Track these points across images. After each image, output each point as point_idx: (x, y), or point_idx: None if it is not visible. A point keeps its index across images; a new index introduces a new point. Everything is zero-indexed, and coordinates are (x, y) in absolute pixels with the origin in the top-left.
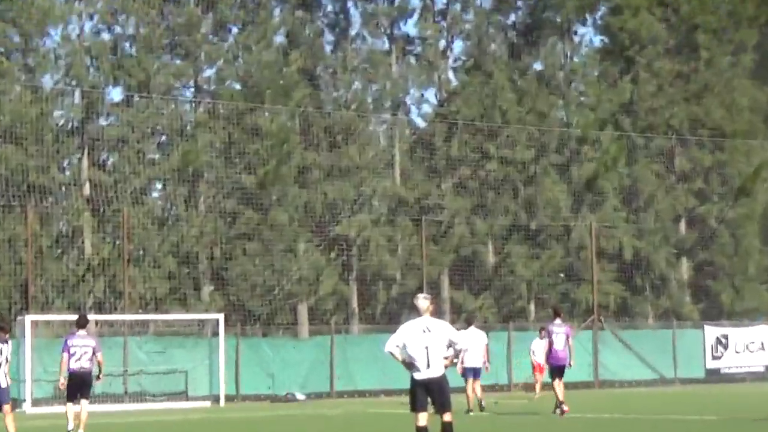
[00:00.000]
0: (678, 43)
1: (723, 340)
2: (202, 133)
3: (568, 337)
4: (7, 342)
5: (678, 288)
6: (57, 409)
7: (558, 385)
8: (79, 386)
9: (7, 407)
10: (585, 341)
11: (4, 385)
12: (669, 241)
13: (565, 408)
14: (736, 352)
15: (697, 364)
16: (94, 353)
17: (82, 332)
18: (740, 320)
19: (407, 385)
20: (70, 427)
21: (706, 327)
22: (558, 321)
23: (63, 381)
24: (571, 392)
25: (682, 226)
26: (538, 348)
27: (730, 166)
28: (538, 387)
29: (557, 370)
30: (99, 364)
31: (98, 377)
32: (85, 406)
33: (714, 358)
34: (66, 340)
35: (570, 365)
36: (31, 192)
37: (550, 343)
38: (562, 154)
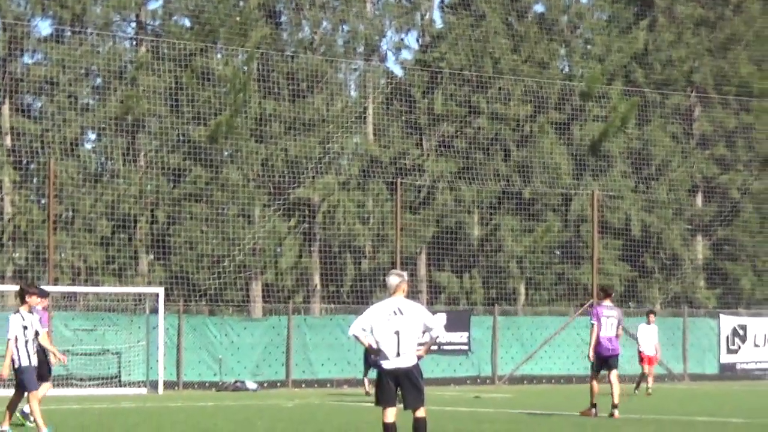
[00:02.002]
0: None
1: (740, 332)
2: (145, 77)
3: (619, 323)
4: (32, 312)
5: (692, 270)
6: None
7: (614, 379)
8: None
9: (40, 389)
10: (580, 329)
11: (29, 364)
12: (683, 216)
13: (616, 413)
14: (756, 346)
15: (710, 358)
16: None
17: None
18: (761, 309)
19: (374, 375)
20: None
21: (721, 316)
22: (608, 303)
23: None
24: (567, 387)
25: (699, 198)
26: (645, 336)
27: (757, 130)
28: (650, 380)
29: (608, 362)
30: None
31: None
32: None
33: (730, 351)
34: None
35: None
36: None
37: (598, 329)
38: (562, 111)
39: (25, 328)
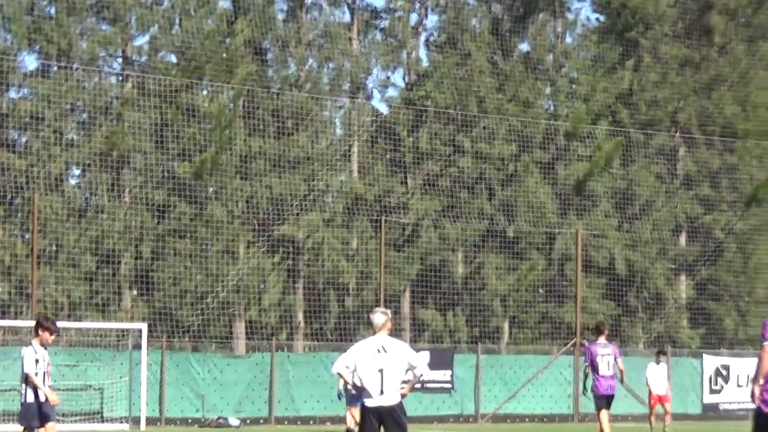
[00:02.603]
0: (688, 25)
1: (723, 372)
2: (130, 112)
3: (616, 360)
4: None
5: (675, 310)
6: None
7: (604, 419)
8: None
9: (51, 425)
10: (564, 368)
11: (35, 399)
12: (667, 255)
13: None
14: (738, 386)
15: (693, 398)
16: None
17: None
18: (744, 349)
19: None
20: None
21: (704, 356)
22: (602, 341)
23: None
24: (549, 426)
25: (683, 237)
26: (654, 375)
27: (741, 170)
28: (668, 419)
29: (603, 401)
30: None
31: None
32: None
33: (712, 391)
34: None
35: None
36: None
37: (595, 369)
38: (547, 150)
39: (37, 361)
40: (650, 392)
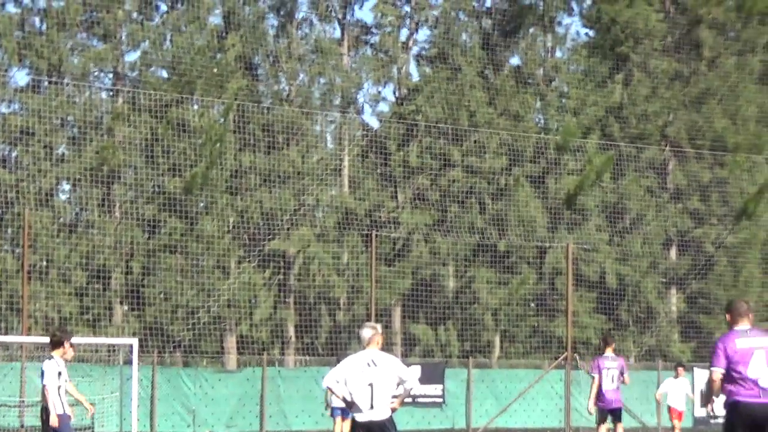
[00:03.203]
0: (677, 40)
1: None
2: (121, 127)
3: (622, 374)
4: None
5: (666, 323)
6: None
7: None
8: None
9: None
10: (555, 382)
11: (64, 412)
12: (658, 269)
13: None
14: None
15: (684, 412)
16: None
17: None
18: None
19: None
20: None
21: (695, 370)
22: (609, 353)
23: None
24: None
25: (674, 251)
26: (674, 390)
27: (731, 184)
28: None
29: (611, 414)
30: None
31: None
32: None
33: (704, 405)
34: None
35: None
36: None
37: (600, 382)
38: (538, 164)
39: (59, 374)
40: (669, 407)
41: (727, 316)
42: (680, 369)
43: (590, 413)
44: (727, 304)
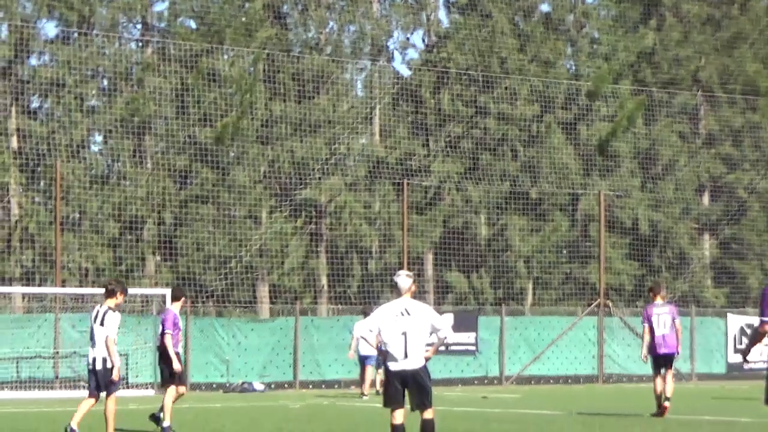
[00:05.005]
0: None
1: (748, 331)
2: (151, 78)
3: (674, 320)
4: (112, 311)
5: (699, 269)
6: None
7: (669, 378)
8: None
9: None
10: (588, 329)
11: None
12: (690, 215)
13: (667, 404)
14: (765, 345)
15: (717, 357)
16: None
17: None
18: None
19: (382, 376)
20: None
21: (729, 315)
22: (658, 301)
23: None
24: (573, 388)
25: (706, 197)
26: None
27: (763, 128)
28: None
29: (664, 360)
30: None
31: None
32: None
33: (737, 351)
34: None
35: (678, 353)
36: None
37: (651, 330)
38: (569, 110)
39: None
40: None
41: None
42: None
43: (644, 361)
44: None
